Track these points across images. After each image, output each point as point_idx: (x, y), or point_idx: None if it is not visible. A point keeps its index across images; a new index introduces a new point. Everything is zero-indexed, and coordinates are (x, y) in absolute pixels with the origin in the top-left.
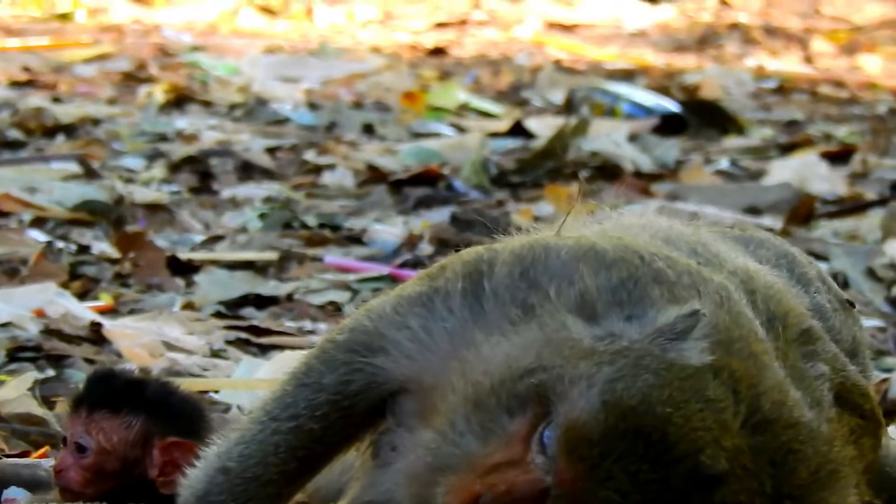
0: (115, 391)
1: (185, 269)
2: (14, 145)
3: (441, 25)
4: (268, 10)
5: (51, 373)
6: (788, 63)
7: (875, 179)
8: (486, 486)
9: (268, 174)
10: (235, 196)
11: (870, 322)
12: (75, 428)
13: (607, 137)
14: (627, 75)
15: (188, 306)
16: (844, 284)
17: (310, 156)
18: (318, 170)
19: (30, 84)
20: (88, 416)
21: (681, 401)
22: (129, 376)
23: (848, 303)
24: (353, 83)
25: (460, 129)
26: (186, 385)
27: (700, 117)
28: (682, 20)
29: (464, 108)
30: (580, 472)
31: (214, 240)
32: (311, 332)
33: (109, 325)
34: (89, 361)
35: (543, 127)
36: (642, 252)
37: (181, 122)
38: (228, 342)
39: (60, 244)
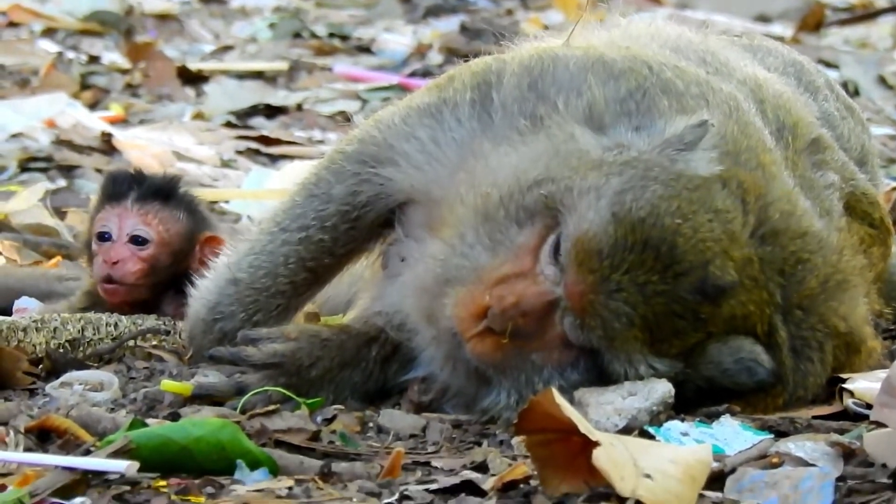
0: (160, 186)
1: (195, 79)
2: None
3: None
4: None
5: (62, 183)
6: None
7: None
8: (495, 297)
9: None
10: (245, 5)
11: (880, 130)
12: (126, 220)
13: None
14: None
15: (198, 116)
16: (855, 92)
17: None
18: None
19: None
20: (142, 208)
21: (689, 212)
22: (163, 175)
23: None
24: None
25: None
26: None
27: None
28: None
29: None
30: (589, 283)
31: (224, 49)
32: (321, 142)
33: (120, 136)
34: (100, 172)
35: None
36: (651, 62)
37: None
38: (238, 152)
39: (71, 54)
